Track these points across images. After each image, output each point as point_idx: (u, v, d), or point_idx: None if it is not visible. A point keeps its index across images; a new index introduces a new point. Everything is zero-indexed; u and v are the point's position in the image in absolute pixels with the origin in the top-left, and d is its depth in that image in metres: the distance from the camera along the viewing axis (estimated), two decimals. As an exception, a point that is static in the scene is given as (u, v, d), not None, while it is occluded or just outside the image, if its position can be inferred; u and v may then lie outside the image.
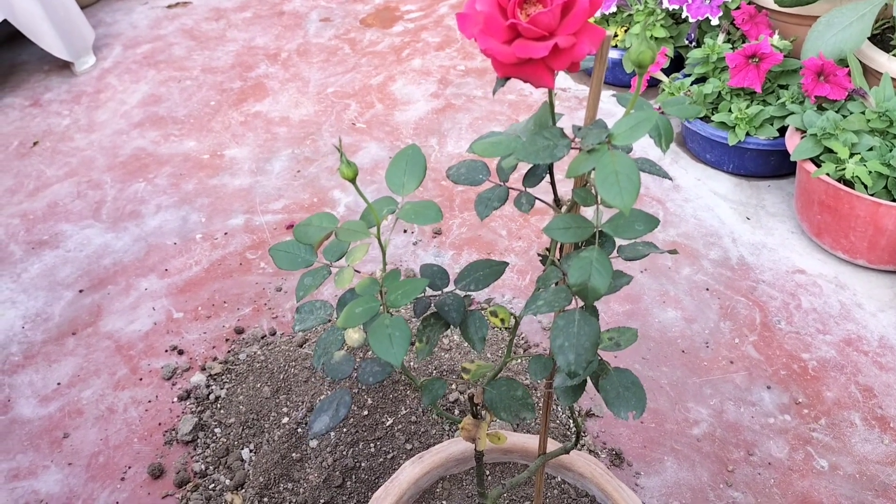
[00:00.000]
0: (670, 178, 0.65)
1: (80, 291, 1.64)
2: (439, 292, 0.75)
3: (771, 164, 1.77)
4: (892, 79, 1.59)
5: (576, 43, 0.55)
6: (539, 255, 0.75)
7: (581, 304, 0.63)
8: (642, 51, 0.52)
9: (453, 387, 1.32)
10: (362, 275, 0.70)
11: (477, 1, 0.57)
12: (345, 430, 1.26)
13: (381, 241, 0.67)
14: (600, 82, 0.60)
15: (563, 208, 0.71)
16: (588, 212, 0.64)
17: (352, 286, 0.69)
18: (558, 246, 0.74)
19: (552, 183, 0.71)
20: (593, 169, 0.56)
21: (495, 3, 0.56)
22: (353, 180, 0.61)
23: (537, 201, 0.71)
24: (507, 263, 0.75)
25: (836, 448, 1.25)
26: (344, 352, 0.69)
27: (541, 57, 0.55)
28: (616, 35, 2.07)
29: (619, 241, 0.73)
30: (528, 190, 0.72)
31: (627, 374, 0.72)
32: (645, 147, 1.95)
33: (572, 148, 0.62)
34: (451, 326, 0.74)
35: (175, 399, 1.39)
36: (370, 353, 1.37)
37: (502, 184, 0.71)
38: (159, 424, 1.35)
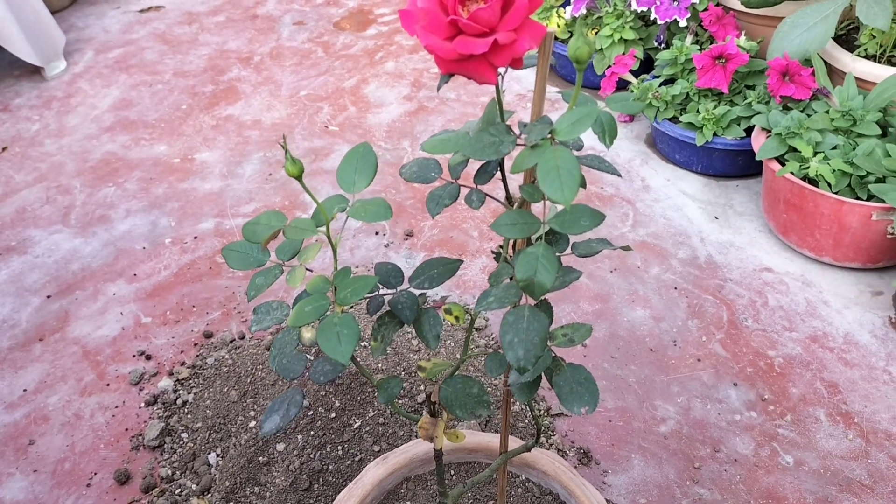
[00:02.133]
0: (619, 175, 0.65)
1: (48, 297, 1.63)
2: (394, 290, 0.75)
3: (739, 164, 1.78)
4: (856, 78, 1.61)
5: (516, 39, 0.55)
6: (493, 252, 0.75)
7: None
8: (579, 46, 0.53)
9: (422, 387, 1.32)
10: (316, 273, 0.70)
11: (419, -3, 0.57)
12: (312, 432, 1.26)
13: (332, 239, 0.67)
14: (544, 79, 0.61)
15: (515, 205, 0.71)
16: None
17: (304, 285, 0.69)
18: (511, 243, 0.74)
19: (503, 180, 0.71)
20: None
21: (436, 0, 0.56)
22: (298, 178, 0.61)
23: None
24: (461, 261, 0.75)
25: (801, 444, 1.26)
26: (295, 350, 0.69)
27: (481, 53, 0.55)
28: (586, 37, 2.08)
29: (573, 239, 0.73)
30: (480, 187, 0.72)
31: (581, 369, 0.72)
32: (616, 149, 1.96)
33: (518, 144, 0.62)
34: (406, 325, 0.74)
35: (142, 404, 1.38)
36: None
37: (454, 181, 0.71)
38: (126, 430, 1.34)
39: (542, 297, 0.67)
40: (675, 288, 1.55)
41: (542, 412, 1.33)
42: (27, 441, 1.33)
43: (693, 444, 1.27)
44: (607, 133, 0.60)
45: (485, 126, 0.62)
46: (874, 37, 1.67)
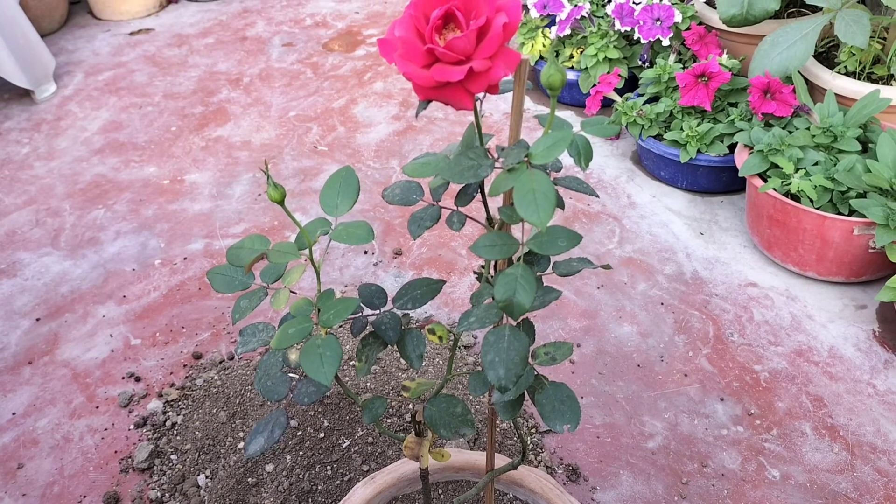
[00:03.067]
0: (596, 196, 0.67)
1: (38, 320, 1.63)
2: (377, 311, 0.76)
3: (723, 181, 1.81)
4: (836, 95, 1.63)
5: (491, 67, 0.57)
6: (475, 272, 0.76)
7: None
8: (551, 73, 0.54)
9: (410, 406, 1.33)
10: (301, 295, 0.71)
11: (396, 26, 0.58)
12: (301, 452, 1.26)
13: (314, 261, 0.68)
14: (521, 104, 0.62)
15: (496, 226, 0.72)
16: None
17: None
18: (493, 263, 0.76)
19: (484, 201, 0.73)
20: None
21: (414, 29, 0.58)
22: (281, 202, 0.62)
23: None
24: (444, 282, 0.76)
25: (787, 458, 1.27)
26: (280, 372, 0.70)
27: (458, 80, 0.56)
28: (572, 56, 2.11)
29: (555, 258, 0.75)
30: (461, 209, 0.73)
31: (563, 388, 0.73)
32: (602, 166, 1.99)
33: (497, 167, 0.64)
34: (390, 345, 0.75)
35: (132, 426, 1.38)
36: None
37: (435, 203, 0.72)
38: (115, 452, 1.34)
39: (524, 317, 0.69)
40: (662, 304, 1.57)
41: (529, 429, 1.33)
42: (16, 465, 1.33)
43: (680, 460, 1.27)
44: (583, 156, 0.61)
45: (464, 150, 0.64)
46: (853, 54, 1.70)
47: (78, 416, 1.41)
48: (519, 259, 0.63)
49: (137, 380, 1.47)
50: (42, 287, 1.71)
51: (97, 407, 1.43)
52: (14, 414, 1.42)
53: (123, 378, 1.48)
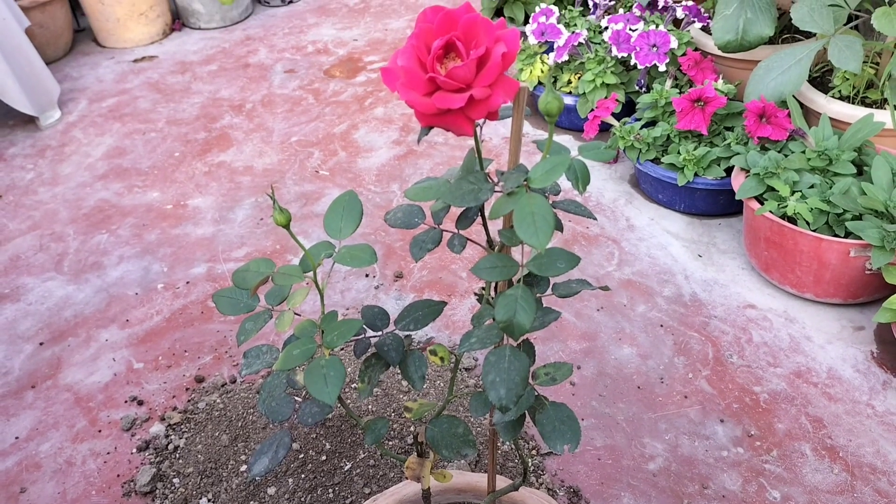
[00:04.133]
0: (594, 218, 0.68)
1: (41, 344, 1.64)
2: (380, 333, 0.77)
3: (720, 203, 1.82)
4: (831, 119, 1.66)
5: (491, 94, 0.58)
6: (475, 294, 0.78)
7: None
8: (549, 101, 0.56)
9: (412, 428, 1.33)
10: (304, 317, 0.72)
11: (399, 56, 0.60)
12: (303, 475, 1.26)
13: (318, 283, 0.69)
14: (520, 130, 0.64)
15: (496, 248, 0.74)
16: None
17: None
18: (493, 284, 0.77)
19: (484, 224, 0.74)
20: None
21: (415, 58, 0.60)
22: (286, 226, 0.63)
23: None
24: (445, 303, 0.78)
25: (787, 479, 1.27)
26: (284, 393, 0.71)
27: (459, 107, 0.58)
28: (570, 82, 2.14)
29: (554, 279, 0.76)
30: (462, 232, 0.75)
31: (563, 408, 0.74)
32: (601, 190, 2.01)
33: (497, 191, 0.65)
34: (393, 366, 0.76)
35: (134, 450, 1.38)
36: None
37: (436, 226, 0.74)
38: (118, 476, 1.34)
39: (524, 337, 0.70)
40: (661, 325, 1.58)
41: (529, 451, 1.34)
42: (18, 489, 1.33)
43: (681, 482, 1.28)
44: (580, 180, 0.63)
45: (464, 174, 0.65)
46: (847, 79, 1.73)
47: (80, 439, 1.42)
48: (519, 281, 0.65)
49: (140, 403, 1.48)
50: (45, 311, 1.73)
51: (100, 431, 1.43)
52: (17, 438, 1.43)
53: (126, 402, 1.48)
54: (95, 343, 1.63)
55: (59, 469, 1.36)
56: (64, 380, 1.54)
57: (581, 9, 2.26)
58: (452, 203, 0.63)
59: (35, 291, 1.79)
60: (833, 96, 1.73)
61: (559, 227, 0.64)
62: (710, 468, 1.30)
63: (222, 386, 1.49)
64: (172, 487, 1.30)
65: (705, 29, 2.07)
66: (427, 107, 0.59)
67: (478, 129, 0.62)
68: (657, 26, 2.02)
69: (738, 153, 1.69)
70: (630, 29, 2.03)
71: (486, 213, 0.72)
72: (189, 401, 1.47)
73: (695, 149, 1.76)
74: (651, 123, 1.91)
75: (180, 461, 1.33)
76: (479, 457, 1.31)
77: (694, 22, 2.07)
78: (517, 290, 0.63)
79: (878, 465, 1.28)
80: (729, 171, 1.77)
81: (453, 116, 0.60)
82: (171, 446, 1.37)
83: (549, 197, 0.70)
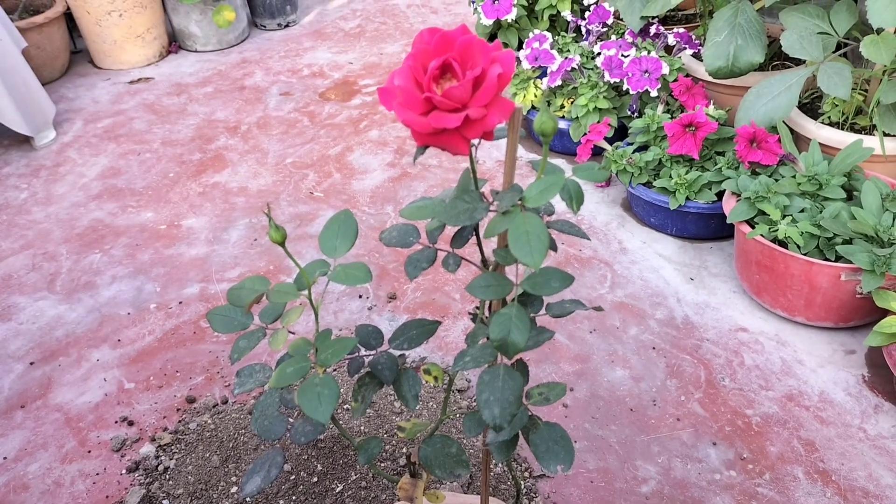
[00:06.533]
0: (588, 238, 0.69)
1: (31, 364, 1.63)
2: (374, 352, 0.77)
3: (712, 227, 1.84)
4: (821, 144, 1.68)
5: (486, 114, 0.59)
6: (470, 313, 0.78)
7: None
8: (544, 121, 0.57)
9: (404, 449, 1.33)
10: (298, 336, 0.72)
11: (396, 76, 0.61)
12: (294, 497, 1.25)
13: (313, 302, 0.69)
14: (514, 150, 0.65)
15: (491, 267, 0.74)
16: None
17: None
18: (487, 304, 0.77)
19: (479, 244, 0.75)
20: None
21: (412, 78, 0.61)
22: (282, 244, 0.64)
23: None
24: (439, 323, 0.78)
25: (780, 502, 1.27)
26: (277, 412, 0.71)
27: (455, 127, 0.59)
28: (563, 106, 2.16)
29: (548, 299, 0.76)
30: (457, 251, 0.76)
31: (557, 428, 0.75)
32: (593, 213, 2.02)
33: (491, 211, 0.66)
34: (386, 385, 0.76)
35: (124, 471, 1.37)
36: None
37: (431, 245, 0.74)
38: (107, 497, 1.33)
39: (518, 357, 0.70)
40: (654, 348, 1.58)
41: (522, 473, 1.33)
42: (5, 510, 1.32)
43: (674, 504, 1.27)
44: (574, 200, 0.64)
45: (459, 194, 0.66)
46: (836, 105, 1.76)
47: (70, 460, 1.40)
48: (513, 300, 0.65)
49: (130, 424, 1.47)
50: (37, 331, 1.72)
51: (89, 451, 1.42)
52: (5, 458, 1.41)
53: (116, 422, 1.47)
54: (87, 363, 1.62)
55: (47, 490, 1.35)
56: (54, 399, 1.53)
57: (574, 35, 2.29)
58: (448, 222, 0.64)
59: (27, 311, 1.78)
60: (822, 122, 1.75)
61: (553, 246, 0.65)
62: (703, 491, 1.29)
63: (214, 406, 1.48)
64: (162, 509, 1.28)
65: (696, 55, 2.10)
66: (423, 126, 0.60)
67: (473, 149, 0.63)
68: (649, 52, 2.05)
69: (729, 177, 1.70)
70: (622, 55, 2.05)
71: (481, 233, 0.72)
72: (180, 421, 1.46)
73: (686, 173, 1.78)
74: (643, 148, 1.92)
75: (170, 482, 1.32)
76: (471, 478, 1.30)
77: (685, 48, 2.10)
78: (511, 308, 0.64)
79: (871, 488, 1.28)
80: (720, 195, 1.78)
81: (449, 136, 0.60)
82: (161, 467, 1.36)
83: (544, 217, 0.70)
